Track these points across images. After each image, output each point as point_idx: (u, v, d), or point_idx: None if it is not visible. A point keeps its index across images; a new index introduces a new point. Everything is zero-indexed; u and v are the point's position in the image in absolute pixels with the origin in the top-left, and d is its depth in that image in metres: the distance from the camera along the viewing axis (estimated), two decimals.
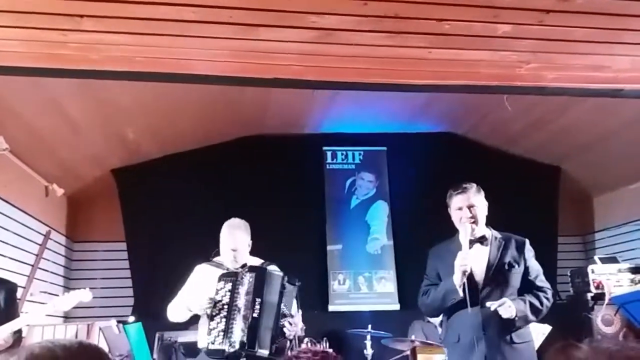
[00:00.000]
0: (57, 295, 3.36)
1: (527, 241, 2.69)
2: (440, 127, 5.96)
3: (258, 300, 2.67)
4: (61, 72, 2.70)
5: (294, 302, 2.85)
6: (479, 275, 2.56)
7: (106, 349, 3.67)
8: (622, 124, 4.91)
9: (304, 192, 5.87)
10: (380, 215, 6.01)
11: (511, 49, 2.70)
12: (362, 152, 6.15)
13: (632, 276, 5.02)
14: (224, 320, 2.68)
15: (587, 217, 6.63)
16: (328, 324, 5.09)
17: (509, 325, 2.49)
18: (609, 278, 5.02)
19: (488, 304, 2.48)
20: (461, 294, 2.48)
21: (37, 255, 4.80)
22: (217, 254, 2.97)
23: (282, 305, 2.72)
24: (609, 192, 6.28)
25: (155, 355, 4.41)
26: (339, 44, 2.55)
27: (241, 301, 2.69)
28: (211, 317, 2.72)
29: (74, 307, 5.23)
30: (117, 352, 3.68)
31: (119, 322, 3.99)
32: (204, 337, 2.77)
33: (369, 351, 4.58)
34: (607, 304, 4.62)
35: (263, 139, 5.79)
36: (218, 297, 2.73)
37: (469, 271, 2.47)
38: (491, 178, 6.10)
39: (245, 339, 2.60)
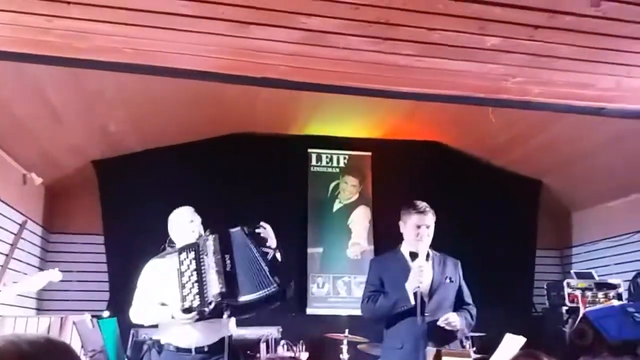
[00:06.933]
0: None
1: (459, 262, 2.96)
2: (425, 135, 5.99)
3: (227, 256, 2.69)
4: (45, 59, 2.65)
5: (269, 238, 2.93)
6: (425, 287, 2.76)
7: (79, 343, 3.61)
8: (602, 142, 4.98)
9: (287, 193, 5.84)
10: (361, 220, 6.01)
11: (499, 62, 2.73)
12: (347, 156, 6.14)
13: (606, 292, 5.11)
14: (196, 284, 2.64)
15: (565, 232, 6.71)
16: (305, 327, 5.06)
17: (449, 338, 2.71)
18: (584, 293, 5.13)
19: (440, 320, 2.68)
20: (413, 302, 2.66)
21: (12, 244, 4.68)
22: (164, 249, 2.93)
23: (254, 250, 2.74)
24: (587, 208, 6.36)
25: (128, 352, 4.34)
26: (327, 47, 2.55)
27: (210, 262, 2.67)
28: (182, 286, 2.65)
29: (48, 300, 5.24)
30: (90, 347, 3.60)
31: (93, 316, 3.92)
32: (175, 307, 2.66)
33: (345, 356, 4.57)
34: (580, 318, 4.68)
35: (249, 138, 5.75)
36: (184, 268, 2.68)
37: (424, 282, 2.70)
38: (474, 188, 6.24)
39: (224, 289, 2.59)
